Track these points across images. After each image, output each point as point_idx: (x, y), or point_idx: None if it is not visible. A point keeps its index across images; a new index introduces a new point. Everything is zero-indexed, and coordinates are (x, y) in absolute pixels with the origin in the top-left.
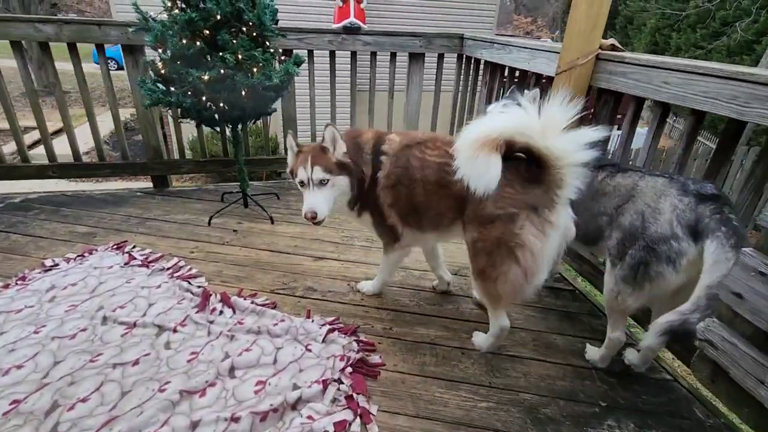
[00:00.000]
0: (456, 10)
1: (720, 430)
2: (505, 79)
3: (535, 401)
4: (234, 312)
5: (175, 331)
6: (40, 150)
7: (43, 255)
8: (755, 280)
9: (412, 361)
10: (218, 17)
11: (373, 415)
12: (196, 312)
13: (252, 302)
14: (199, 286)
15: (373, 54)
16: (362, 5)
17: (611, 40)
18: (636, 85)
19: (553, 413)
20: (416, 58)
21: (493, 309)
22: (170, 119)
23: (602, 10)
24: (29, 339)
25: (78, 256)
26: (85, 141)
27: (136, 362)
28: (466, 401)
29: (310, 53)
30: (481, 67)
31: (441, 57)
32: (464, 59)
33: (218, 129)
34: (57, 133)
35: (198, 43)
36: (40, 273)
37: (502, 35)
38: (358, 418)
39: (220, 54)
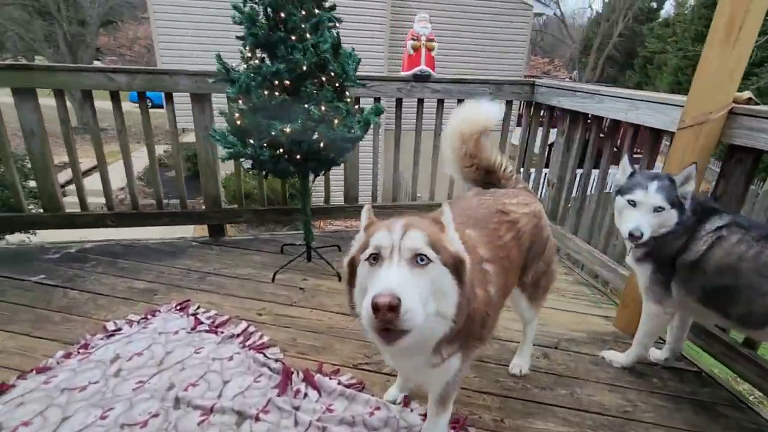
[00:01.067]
0: (489, 55)
1: None
2: (588, 129)
3: None
4: (320, 395)
5: (257, 419)
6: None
7: (103, 315)
8: None
9: None
10: (304, 68)
11: None
12: (278, 394)
13: (338, 382)
14: (276, 360)
15: (440, 101)
16: (433, 53)
17: (747, 93)
18: None
19: None
20: None
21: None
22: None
23: (741, 60)
24: (96, 426)
25: (141, 318)
26: (121, 177)
27: None
28: None
29: (377, 101)
30: (556, 113)
31: (509, 103)
32: (533, 105)
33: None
34: (93, 169)
35: (280, 95)
36: (102, 339)
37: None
38: None
39: (305, 106)
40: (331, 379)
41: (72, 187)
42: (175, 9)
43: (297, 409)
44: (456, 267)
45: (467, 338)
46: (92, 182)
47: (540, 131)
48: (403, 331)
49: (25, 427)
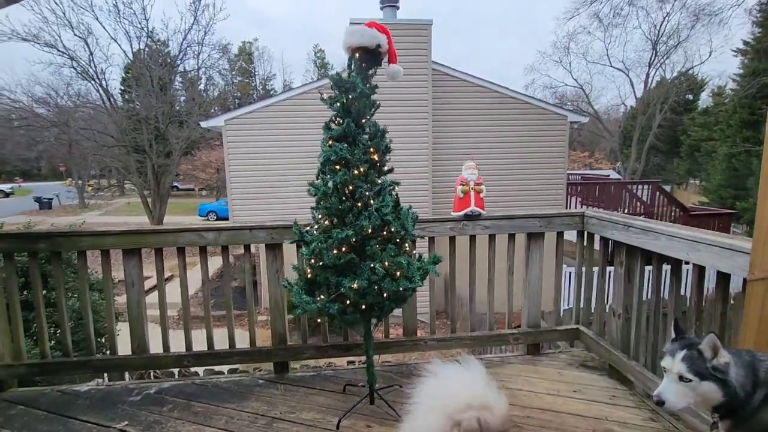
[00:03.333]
0: (532, 166)
1: None
2: (649, 265)
3: None
4: None
5: None
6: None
7: None
8: None
9: None
10: (369, 231)
11: None
12: None
13: None
14: None
15: (492, 236)
16: (481, 195)
17: None
18: None
19: None
20: (535, 237)
21: None
22: (262, 270)
23: None
24: None
25: None
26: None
27: None
28: None
29: (431, 240)
30: (611, 243)
31: (560, 234)
32: (586, 235)
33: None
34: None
35: (347, 254)
36: None
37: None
38: None
39: (370, 265)
40: None
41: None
42: (245, 156)
43: None
44: None
45: None
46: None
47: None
48: None
49: None
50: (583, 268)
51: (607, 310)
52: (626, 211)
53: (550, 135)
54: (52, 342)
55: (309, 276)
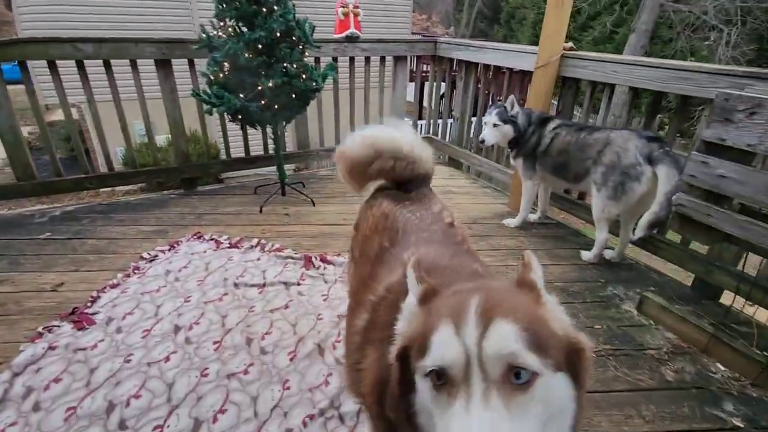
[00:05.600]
0: (381, 18)
1: (666, 283)
2: (479, 75)
3: (562, 285)
4: (335, 267)
5: (298, 284)
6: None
7: (132, 251)
8: (700, 167)
9: None
10: (278, 33)
11: None
12: (307, 269)
13: (344, 260)
14: (296, 252)
15: (367, 59)
16: (359, 18)
17: (570, 44)
18: (593, 73)
19: (577, 289)
20: (401, 59)
21: None
22: (92, 133)
23: (565, 23)
24: (187, 306)
25: (169, 248)
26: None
27: (286, 306)
28: None
29: (317, 59)
30: (455, 64)
31: (419, 58)
32: (437, 59)
33: (258, 128)
34: None
35: (260, 56)
36: (147, 263)
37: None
38: None
39: (284, 65)
40: (338, 257)
41: None
42: None
43: (323, 275)
44: (572, 362)
45: None
46: None
47: (443, 84)
48: None
49: (131, 315)
50: (434, 85)
51: (450, 119)
52: None
53: None
54: None
55: (221, 78)
